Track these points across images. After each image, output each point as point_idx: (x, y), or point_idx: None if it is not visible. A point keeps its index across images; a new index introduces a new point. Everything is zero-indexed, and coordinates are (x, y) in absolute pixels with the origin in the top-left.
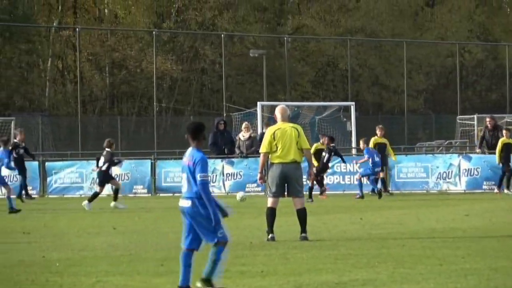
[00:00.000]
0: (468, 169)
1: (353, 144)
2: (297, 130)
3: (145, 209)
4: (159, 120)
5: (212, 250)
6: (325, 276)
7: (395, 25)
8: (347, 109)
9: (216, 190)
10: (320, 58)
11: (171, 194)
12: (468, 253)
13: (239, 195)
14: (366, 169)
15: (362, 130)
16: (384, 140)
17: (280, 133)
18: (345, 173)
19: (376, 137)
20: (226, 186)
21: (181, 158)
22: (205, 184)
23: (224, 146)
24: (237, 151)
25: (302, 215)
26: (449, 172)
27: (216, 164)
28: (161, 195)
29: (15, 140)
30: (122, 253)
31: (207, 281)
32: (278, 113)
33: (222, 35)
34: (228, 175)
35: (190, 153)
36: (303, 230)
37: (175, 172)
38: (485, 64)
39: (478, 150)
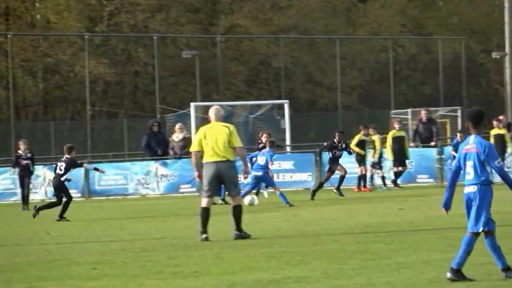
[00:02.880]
0: None
1: (288, 142)
2: (228, 128)
3: (78, 213)
4: (93, 124)
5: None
6: (259, 274)
7: (328, 22)
8: (281, 107)
9: (150, 191)
10: (253, 57)
11: (105, 197)
12: (402, 247)
13: (247, 199)
14: None
15: (296, 128)
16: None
17: (211, 132)
18: (279, 170)
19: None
20: (160, 187)
21: (115, 161)
22: (502, 168)
23: (157, 148)
24: (171, 152)
25: (237, 212)
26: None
27: (150, 166)
28: (94, 198)
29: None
30: (55, 258)
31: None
32: (212, 113)
33: (155, 37)
34: (162, 176)
35: (474, 141)
36: (238, 227)
37: (109, 175)
38: (418, 58)
39: (412, 144)
